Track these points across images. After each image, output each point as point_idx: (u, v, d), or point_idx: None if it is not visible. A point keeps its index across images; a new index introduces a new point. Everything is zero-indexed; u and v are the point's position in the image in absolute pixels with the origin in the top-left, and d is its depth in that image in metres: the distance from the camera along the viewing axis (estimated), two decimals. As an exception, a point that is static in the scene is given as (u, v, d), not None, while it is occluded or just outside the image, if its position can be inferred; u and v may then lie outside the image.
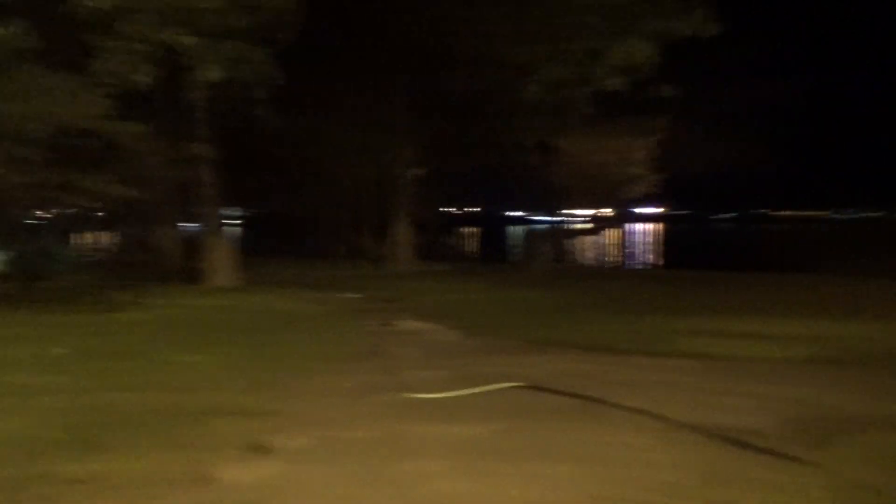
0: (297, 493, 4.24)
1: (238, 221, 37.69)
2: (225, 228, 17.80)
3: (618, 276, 27.91)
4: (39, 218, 27.09)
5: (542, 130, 18.98)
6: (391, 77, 18.62)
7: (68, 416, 5.75)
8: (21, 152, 10.01)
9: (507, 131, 19.16)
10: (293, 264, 23.43)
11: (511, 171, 27.37)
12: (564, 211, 28.59)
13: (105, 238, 44.94)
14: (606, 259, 42.19)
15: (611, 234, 58.05)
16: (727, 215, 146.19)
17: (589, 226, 50.97)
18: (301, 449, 5.05)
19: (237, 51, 10.99)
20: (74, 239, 35.58)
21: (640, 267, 37.42)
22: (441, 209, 32.91)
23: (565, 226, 31.71)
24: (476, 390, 6.75)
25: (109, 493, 4.22)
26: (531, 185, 28.13)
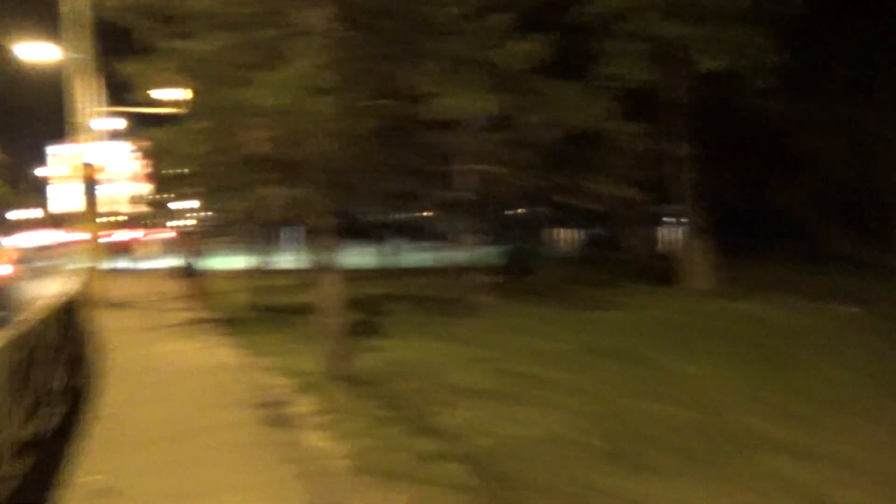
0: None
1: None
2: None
3: None
4: (521, 215, 30.48)
5: None
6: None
7: (599, 421, 5.78)
8: (527, 157, 10.85)
9: None
10: (766, 266, 21.37)
11: None
12: None
13: (570, 235, 48.56)
14: None
15: None
16: None
17: None
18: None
19: (741, 36, 10.14)
20: (547, 235, 39.21)
21: None
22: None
23: None
24: None
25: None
26: None
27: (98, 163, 16.36)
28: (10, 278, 12.97)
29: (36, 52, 20.23)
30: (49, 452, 5.04)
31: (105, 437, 5.40)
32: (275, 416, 5.98)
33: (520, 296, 15.41)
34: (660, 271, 19.88)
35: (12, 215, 73.72)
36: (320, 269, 7.09)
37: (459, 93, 6.51)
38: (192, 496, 4.27)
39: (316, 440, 5.28)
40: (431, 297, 15.34)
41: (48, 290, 19.03)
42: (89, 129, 17.09)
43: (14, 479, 4.35)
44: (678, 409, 6.22)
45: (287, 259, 32.00)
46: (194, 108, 8.41)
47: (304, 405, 6.32)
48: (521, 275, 19.05)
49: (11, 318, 12.61)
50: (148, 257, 28.30)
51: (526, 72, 7.83)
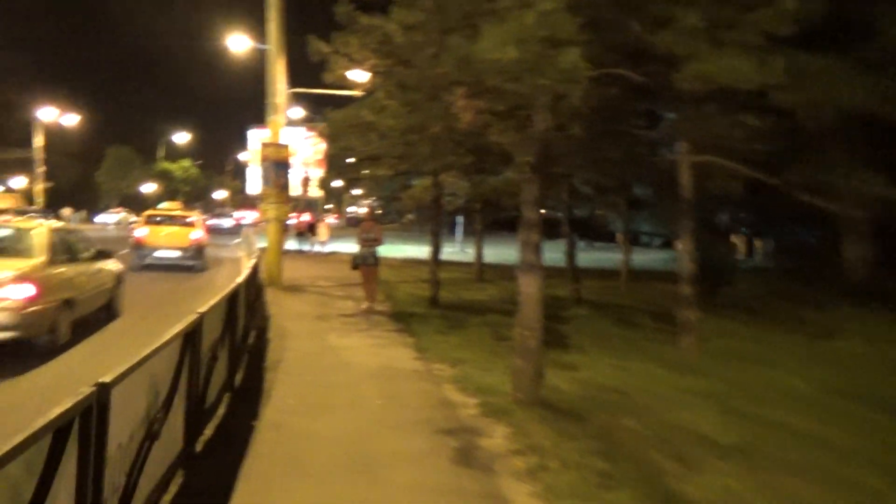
0: None
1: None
2: None
3: None
4: (707, 215, 27.55)
5: None
6: None
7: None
8: (770, 146, 8.88)
9: None
10: None
11: None
12: None
13: (747, 240, 44.06)
14: None
15: None
16: None
17: None
18: None
19: None
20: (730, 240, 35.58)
21: None
22: None
23: None
24: None
25: None
26: None
27: (289, 145, 16.48)
28: (202, 241, 17.56)
29: (242, 42, 21.04)
30: (203, 467, 4.28)
31: (268, 457, 4.57)
32: (463, 449, 4.88)
33: (722, 311, 13.37)
34: (886, 291, 16.80)
35: (217, 195, 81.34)
36: (524, 270, 5.90)
37: (717, 58, 5.03)
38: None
39: (520, 496, 4.10)
40: (616, 304, 13.77)
41: (230, 255, 22.11)
42: (284, 112, 17.33)
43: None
44: None
45: (456, 250, 31.49)
46: (392, 84, 7.67)
47: (496, 437, 5.17)
48: (716, 286, 16.83)
49: (204, 266, 17.12)
50: (322, 241, 28.83)
51: (789, 40, 6.12)
